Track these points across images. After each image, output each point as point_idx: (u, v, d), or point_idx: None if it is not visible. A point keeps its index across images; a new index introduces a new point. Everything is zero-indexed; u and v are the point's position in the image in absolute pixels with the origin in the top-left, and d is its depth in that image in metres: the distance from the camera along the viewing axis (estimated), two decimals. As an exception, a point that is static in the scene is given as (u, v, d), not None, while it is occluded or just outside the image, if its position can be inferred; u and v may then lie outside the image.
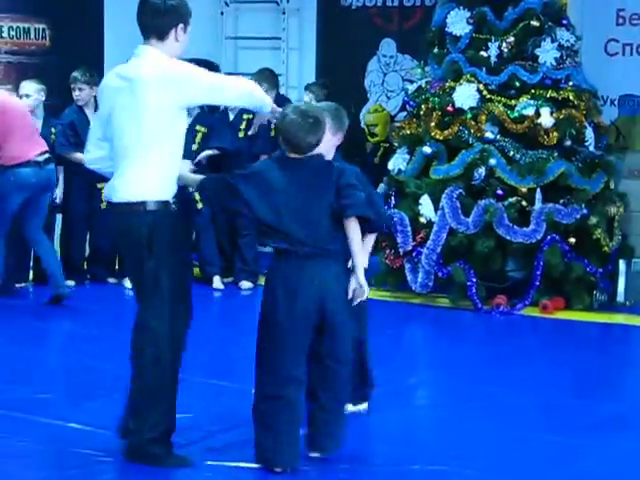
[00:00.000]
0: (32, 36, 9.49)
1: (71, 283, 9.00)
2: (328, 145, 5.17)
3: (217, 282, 9.19)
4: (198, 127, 9.15)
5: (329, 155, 5.19)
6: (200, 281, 9.25)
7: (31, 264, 9.02)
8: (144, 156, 4.74)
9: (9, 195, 8.18)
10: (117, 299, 8.75)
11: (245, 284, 9.24)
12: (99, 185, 8.06)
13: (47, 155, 8.28)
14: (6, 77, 9.31)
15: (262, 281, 9.02)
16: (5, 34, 9.50)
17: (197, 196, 9.17)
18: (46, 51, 9.37)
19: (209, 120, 9.31)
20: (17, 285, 8.93)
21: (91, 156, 5.04)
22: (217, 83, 4.91)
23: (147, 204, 4.73)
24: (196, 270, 9.43)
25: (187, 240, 5.00)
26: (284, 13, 10.89)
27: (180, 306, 4.91)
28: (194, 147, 9.08)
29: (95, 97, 9.08)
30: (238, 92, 4.92)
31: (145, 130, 4.72)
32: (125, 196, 4.76)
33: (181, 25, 4.87)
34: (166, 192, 4.80)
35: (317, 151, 4.86)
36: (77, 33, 9.89)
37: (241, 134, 9.26)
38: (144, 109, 4.71)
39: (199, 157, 9.10)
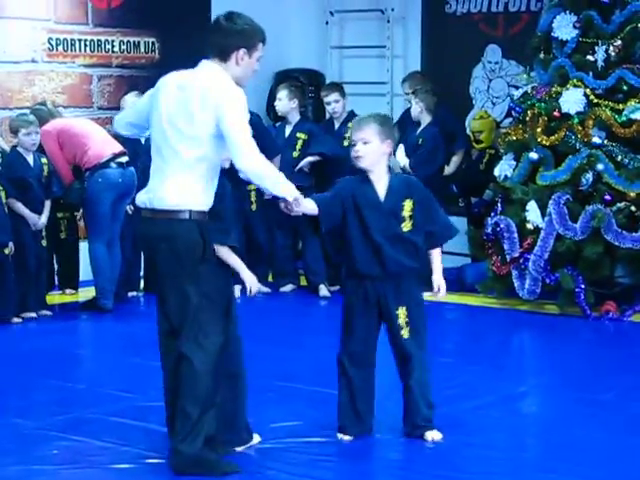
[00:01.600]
0: (142, 50, 9.69)
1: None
2: (377, 154, 5.23)
3: (323, 290, 9.23)
4: (298, 134, 9.22)
5: (380, 164, 5.25)
6: (306, 289, 9.34)
7: (141, 273, 9.18)
8: (188, 166, 4.81)
9: (100, 196, 8.32)
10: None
11: (323, 290, 9.26)
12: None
13: (127, 157, 8.43)
14: (117, 91, 9.52)
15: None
16: (116, 48, 9.73)
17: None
18: (155, 64, 9.56)
19: (309, 127, 9.37)
20: (129, 294, 9.11)
21: (119, 124, 5.25)
22: (237, 141, 4.78)
23: (192, 213, 4.81)
24: (302, 278, 9.51)
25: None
26: (389, 21, 10.92)
27: (222, 313, 4.92)
28: (295, 154, 9.15)
29: None
30: (248, 166, 4.80)
31: (188, 139, 4.79)
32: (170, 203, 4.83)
33: (244, 49, 4.90)
34: (206, 203, 4.86)
35: (368, 161, 5.22)
36: (185, 46, 10.07)
37: (345, 142, 9.30)
38: (189, 118, 4.79)
39: (300, 164, 9.16)
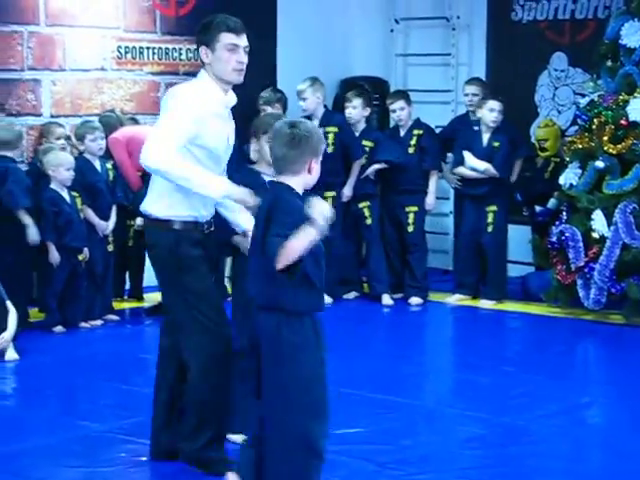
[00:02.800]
0: (208, 57, 9.77)
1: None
2: None
3: (386, 299, 9.22)
4: (364, 142, 9.24)
5: None
6: (369, 297, 9.35)
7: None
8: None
9: None
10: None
11: (415, 300, 9.25)
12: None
13: None
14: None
15: (432, 297, 9.21)
16: (184, 56, 9.83)
17: (367, 212, 9.29)
18: (222, 72, 9.65)
19: (375, 135, 9.38)
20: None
21: None
22: (149, 138, 4.79)
23: (172, 222, 4.87)
24: (365, 286, 9.52)
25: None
26: (454, 29, 10.90)
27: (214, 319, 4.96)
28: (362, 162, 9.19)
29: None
30: (145, 161, 4.73)
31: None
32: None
33: (204, 46, 4.92)
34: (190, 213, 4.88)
35: None
36: (251, 53, 10.14)
37: (411, 150, 9.32)
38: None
39: (367, 172, 9.18)
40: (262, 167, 5.42)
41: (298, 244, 3.97)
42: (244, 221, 5.09)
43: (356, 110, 9.23)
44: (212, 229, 5.03)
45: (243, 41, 4.94)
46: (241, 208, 4.99)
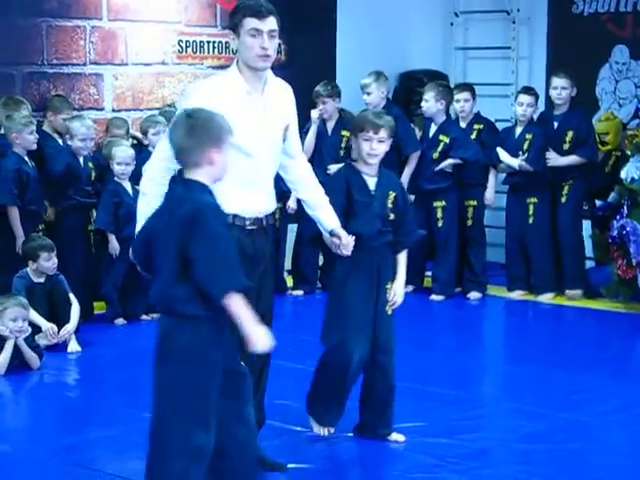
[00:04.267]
0: (268, 51, 9.80)
1: (300, 292, 9.27)
2: None
3: (437, 297, 9.18)
4: (441, 137, 9.15)
5: None
6: (426, 291, 9.31)
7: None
8: None
9: None
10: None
11: (474, 295, 9.22)
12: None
13: None
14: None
15: (491, 291, 9.17)
16: (242, 50, 9.89)
17: (439, 213, 9.19)
18: (282, 66, 9.65)
19: (454, 130, 9.23)
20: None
21: None
22: None
23: None
24: (425, 280, 9.50)
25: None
26: (514, 22, 10.83)
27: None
28: (435, 155, 9.08)
29: (339, 110, 9.33)
30: None
31: None
32: None
33: (232, 33, 4.85)
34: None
35: None
36: (311, 48, 10.18)
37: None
38: None
39: (441, 165, 9.10)
40: (360, 165, 5.38)
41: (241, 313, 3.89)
42: (329, 221, 5.05)
43: (429, 103, 9.11)
44: (264, 224, 4.85)
45: (267, 25, 4.73)
46: (325, 204, 4.99)
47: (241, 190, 4.69)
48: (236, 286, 3.90)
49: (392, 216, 5.35)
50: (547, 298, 9.08)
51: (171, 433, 4.01)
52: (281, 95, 4.96)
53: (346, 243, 5.05)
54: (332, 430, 5.47)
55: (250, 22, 4.72)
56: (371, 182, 5.35)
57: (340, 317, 5.26)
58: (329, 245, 5.16)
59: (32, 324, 7.04)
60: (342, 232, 5.07)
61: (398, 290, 5.37)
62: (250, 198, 4.77)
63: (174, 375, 4.03)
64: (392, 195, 5.37)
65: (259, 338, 3.92)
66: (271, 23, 4.75)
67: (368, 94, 9.09)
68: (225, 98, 4.65)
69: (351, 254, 5.11)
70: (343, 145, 9.16)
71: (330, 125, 9.27)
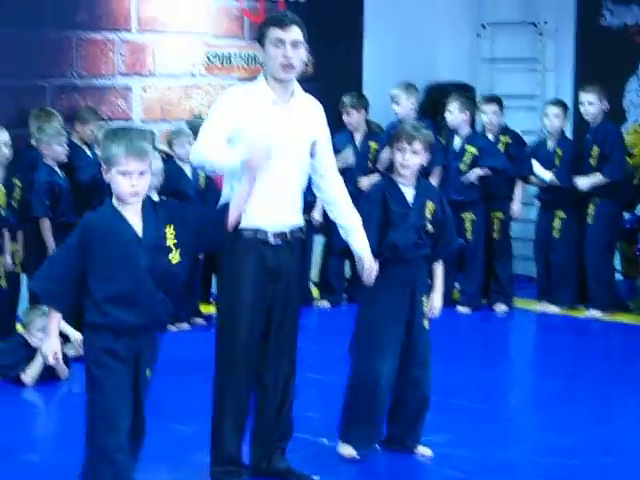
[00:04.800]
0: (295, 63, 9.82)
1: (326, 304, 9.27)
2: None
3: (464, 309, 9.16)
4: (467, 147, 9.13)
5: None
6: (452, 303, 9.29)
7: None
8: None
9: None
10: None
11: (500, 307, 9.20)
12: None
13: None
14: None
15: (519, 304, 9.13)
16: (269, 62, 9.93)
17: (468, 225, 9.15)
18: (309, 78, 9.67)
19: (480, 141, 9.22)
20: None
21: None
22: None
23: None
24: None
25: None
26: (541, 34, 10.82)
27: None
28: (462, 167, 9.05)
29: (366, 121, 9.34)
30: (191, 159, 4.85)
31: None
32: None
33: (258, 45, 4.89)
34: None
35: None
36: (338, 60, 10.21)
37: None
38: None
39: (468, 176, 9.06)
40: (396, 176, 5.37)
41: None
42: (359, 246, 5.04)
43: (453, 115, 9.12)
44: (289, 239, 4.86)
45: (290, 35, 4.76)
46: (358, 228, 5.01)
47: (264, 201, 4.72)
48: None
49: (430, 227, 5.33)
50: (574, 312, 9.03)
51: (92, 439, 4.40)
52: (309, 109, 4.99)
53: (368, 269, 5.05)
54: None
55: (274, 32, 4.79)
56: (408, 193, 5.33)
57: (369, 331, 5.26)
58: (357, 264, 5.17)
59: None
60: (368, 258, 5.06)
61: (436, 302, 5.37)
62: (273, 210, 4.80)
63: (90, 381, 4.48)
64: (430, 205, 5.35)
65: None
66: (294, 33, 4.79)
67: (397, 104, 9.12)
68: (252, 104, 4.77)
69: (386, 267, 5.11)
70: (371, 157, 9.19)
71: (358, 137, 9.28)
